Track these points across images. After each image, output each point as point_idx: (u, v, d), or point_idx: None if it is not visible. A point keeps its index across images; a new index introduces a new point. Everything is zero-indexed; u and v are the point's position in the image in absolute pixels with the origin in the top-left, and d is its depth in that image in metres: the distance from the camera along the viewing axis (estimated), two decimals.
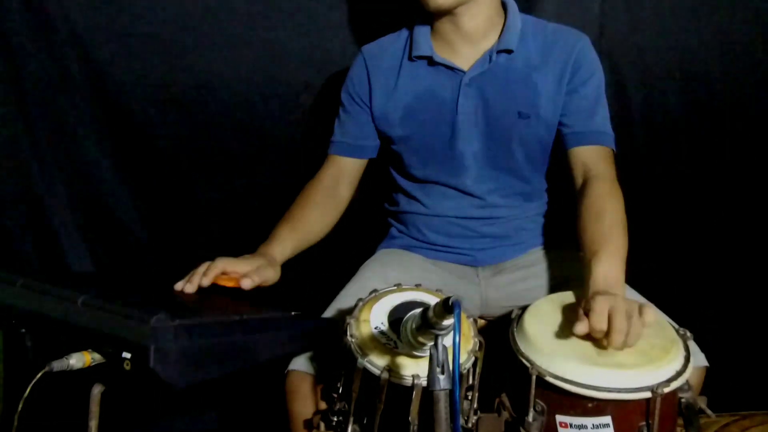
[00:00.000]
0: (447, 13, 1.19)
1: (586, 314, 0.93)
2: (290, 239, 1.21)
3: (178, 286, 1.06)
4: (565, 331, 0.97)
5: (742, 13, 1.57)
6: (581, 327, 0.91)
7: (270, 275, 1.13)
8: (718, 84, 1.61)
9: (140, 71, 1.54)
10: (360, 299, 0.96)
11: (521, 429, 0.92)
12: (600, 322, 0.90)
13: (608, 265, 1.02)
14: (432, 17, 1.23)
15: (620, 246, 1.06)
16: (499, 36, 1.22)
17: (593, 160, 1.21)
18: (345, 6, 1.55)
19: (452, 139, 1.25)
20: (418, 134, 1.27)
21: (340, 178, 1.33)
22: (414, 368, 0.83)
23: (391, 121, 1.28)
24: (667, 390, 0.86)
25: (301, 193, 1.31)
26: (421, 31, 1.25)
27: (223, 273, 1.08)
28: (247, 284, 1.07)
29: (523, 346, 0.96)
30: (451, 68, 1.23)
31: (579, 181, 1.21)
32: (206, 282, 1.05)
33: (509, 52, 1.21)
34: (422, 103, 1.25)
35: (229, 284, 1.08)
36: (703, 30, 1.57)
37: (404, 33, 1.29)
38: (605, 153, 1.22)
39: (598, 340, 0.93)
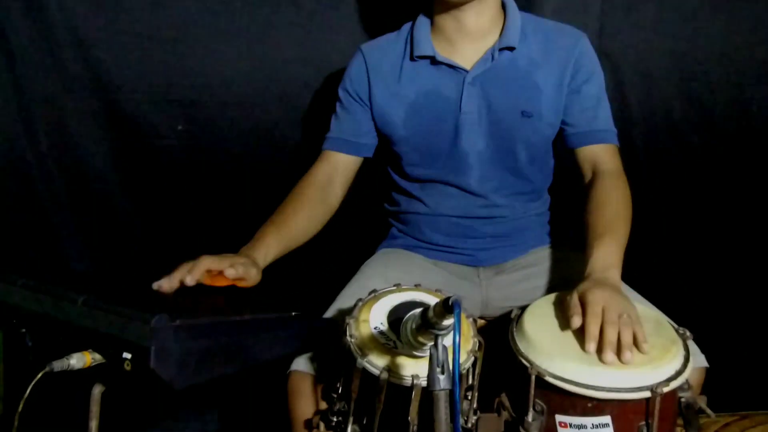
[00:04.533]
0: (457, 6, 1.18)
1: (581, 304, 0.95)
2: (275, 242, 1.17)
3: (156, 284, 1.01)
4: (564, 330, 0.97)
5: (742, 13, 1.57)
6: (577, 320, 0.93)
7: (252, 274, 1.08)
8: (718, 84, 1.61)
9: (140, 71, 1.54)
10: (359, 299, 0.95)
11: (521, 429, 0.91)
12: (594, 331, 0.91)
13: (608, 249, 1.06)
14: (434, 15, 1.23)
15: (621, 234, 1.10)
16: (501, 34, 1.22)
17: (601, 158, 1.23)
18: (345, 6, 1.55)
19: (456, 139, 1.25)
20: (421, 134, 1.26)
21: (334, 176, 1.30)
22: (414, 368, 0.83)
23: (393, 122, 1.27)
24: (666, 390, 0.86)
25: (292, 191, 1.27)
26: (422, 30, 1.24)
27: (208, 271, 1.04)
28: (231, 273, 1.03)
29: (522, 346, 0.96)
30: (454, 67, 1.23)
31: (588, 177, 1.24)
32: (190, 281, 1.01)
33: (511, 49, 1.21)
34: (425, 102, 1.25)
35: (217, 283, 1.05)
36: (703, 30, 1.57)
37: (404, 32, 1.29)
38: (612, 149, 1.25)
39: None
